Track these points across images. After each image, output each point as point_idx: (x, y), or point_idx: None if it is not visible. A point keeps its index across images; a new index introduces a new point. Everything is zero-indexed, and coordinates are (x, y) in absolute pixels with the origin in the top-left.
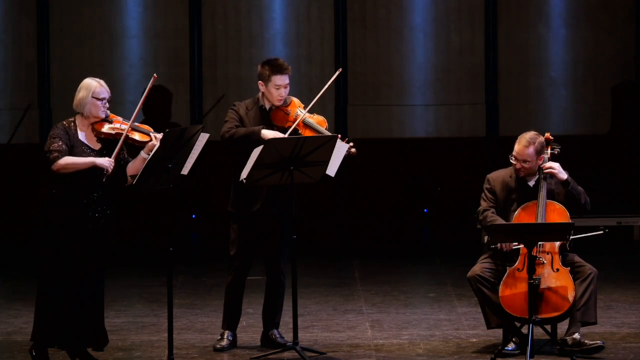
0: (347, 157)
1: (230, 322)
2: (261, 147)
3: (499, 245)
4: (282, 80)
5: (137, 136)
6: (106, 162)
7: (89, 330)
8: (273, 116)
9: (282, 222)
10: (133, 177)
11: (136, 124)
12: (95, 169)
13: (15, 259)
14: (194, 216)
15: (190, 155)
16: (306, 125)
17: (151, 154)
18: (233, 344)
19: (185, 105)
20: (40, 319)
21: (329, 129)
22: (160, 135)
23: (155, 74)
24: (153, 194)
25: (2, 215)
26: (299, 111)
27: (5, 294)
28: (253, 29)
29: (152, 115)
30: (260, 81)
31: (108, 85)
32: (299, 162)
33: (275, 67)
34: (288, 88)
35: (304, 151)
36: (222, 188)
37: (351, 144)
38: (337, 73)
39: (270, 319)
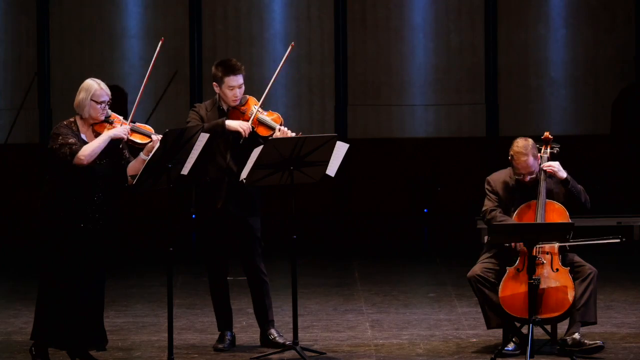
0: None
1: (225, 322)
2: (261, 147)
3: (513, 244)
4: (235, 80)
5: (136, 138)
6: (120, 131)
7: (89, 330)
8: (230, 116)
9: (247, 220)
10: (133, 177)
11: (137, 124)
12: (99, 167)
13: (15, 259)
14: (194, 216)
15: (190, 155)
16: (260, 122)
17: (151, 154)
18: (232, 343)
19: (185, 105)
20: (40, 318)
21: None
22: (159, 137)
23: (162, 38)
24: (153, 194)
25: (2, 215)
26: (254, 109)
27: (5, 294)
28: (253, 29)
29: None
30: (214, 82)
31: (108, 86)
32: (299, 162)
33: (228, 68)
34: (243, 88)
35: (304, 151)
36: None
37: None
38: (289, 48)
39: (264, 318)
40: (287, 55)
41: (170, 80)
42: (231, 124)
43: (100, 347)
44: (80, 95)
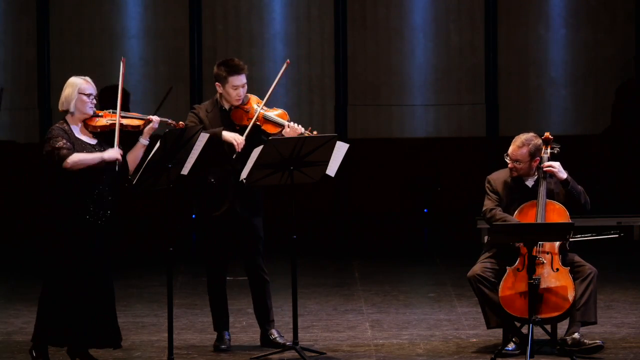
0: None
1: (223, 323)
2: (261, 147)
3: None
4: (239, 80)
5: (130, 122)
6: (114, 153)
7: (101, 328)
8: (233, 116)
9: (251, 220)
10: (133, 176)
11: (125, 112)
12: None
13: (15, 259)
14: (194, 216)
15: (190, 155)
16: (266, 119)
17: (152, 153)
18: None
19: (185, 105)
20: (43, 318)
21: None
22: (153, 117)
23: (123, 57)
24: (153, 194)
25: (2, 215)
26: (257, 107)
27: (5, 294)
28: (253, 29)
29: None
30: (217, 82)
31: (108, 85)
32: (299, 162)
33: (232, 68)
34: (246, 87)
35: (304, 151)
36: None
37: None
38: (284, 66)
39: (264, 318)
40: (282, 73)
41: (166, 96)
42: (227, 135)
43: (116, 344)
44: (66, 91)
